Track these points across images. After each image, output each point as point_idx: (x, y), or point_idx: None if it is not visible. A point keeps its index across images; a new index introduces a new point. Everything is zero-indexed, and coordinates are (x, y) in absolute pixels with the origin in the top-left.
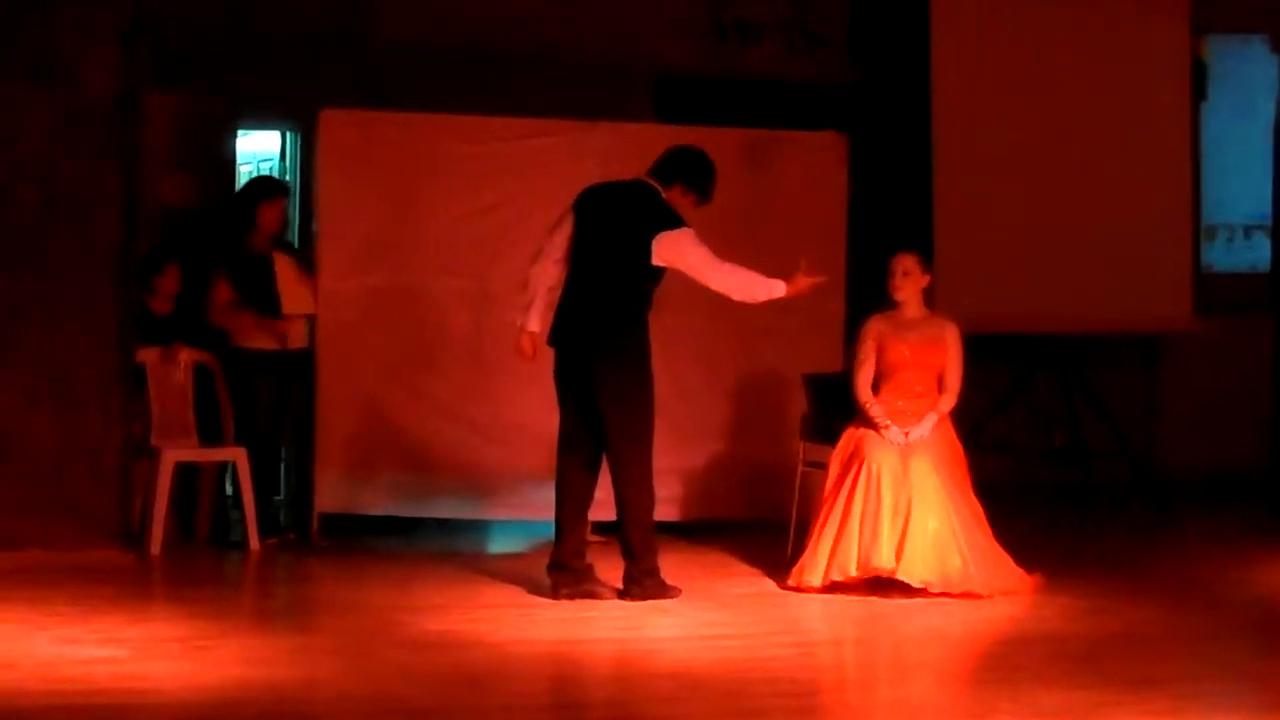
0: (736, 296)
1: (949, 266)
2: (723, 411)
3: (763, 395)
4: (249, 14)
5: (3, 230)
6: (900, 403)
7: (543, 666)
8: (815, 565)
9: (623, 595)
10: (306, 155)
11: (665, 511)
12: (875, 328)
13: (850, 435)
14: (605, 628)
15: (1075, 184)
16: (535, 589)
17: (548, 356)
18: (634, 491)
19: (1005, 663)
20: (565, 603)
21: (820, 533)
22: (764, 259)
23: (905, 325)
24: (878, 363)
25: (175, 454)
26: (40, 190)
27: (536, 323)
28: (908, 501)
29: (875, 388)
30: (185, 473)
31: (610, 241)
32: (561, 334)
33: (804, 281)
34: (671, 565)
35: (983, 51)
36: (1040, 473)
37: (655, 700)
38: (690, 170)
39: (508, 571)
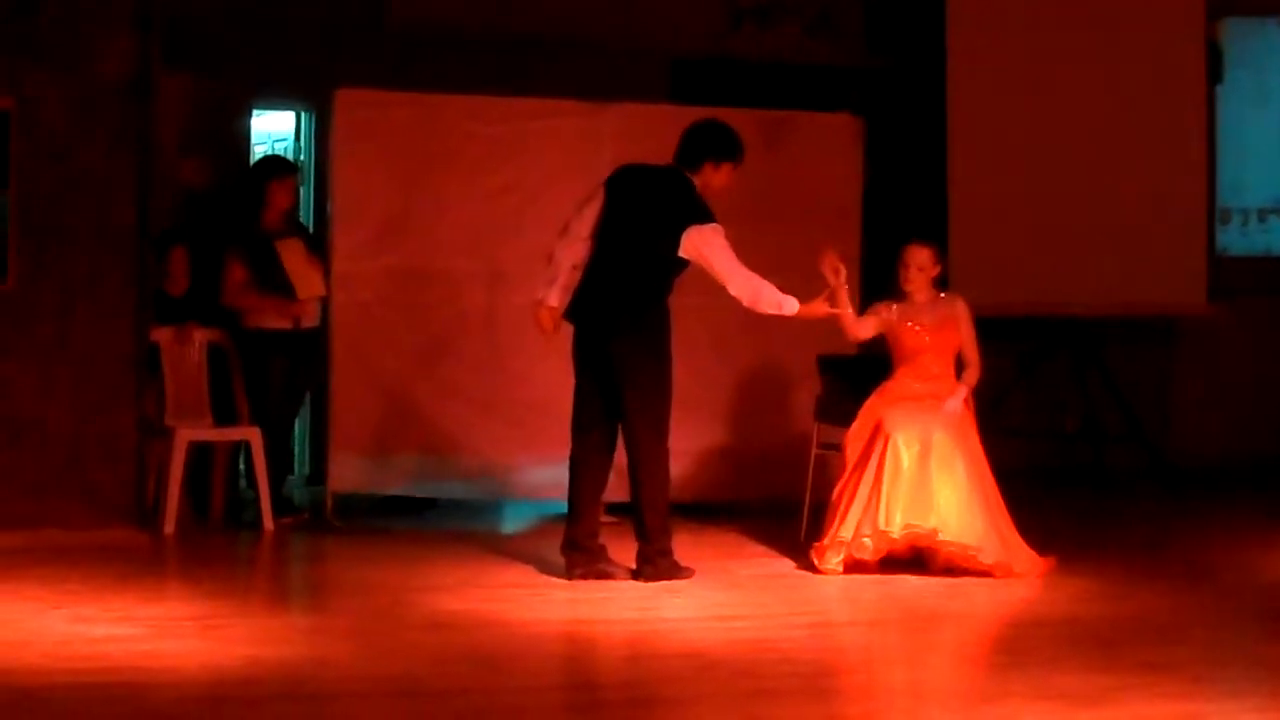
0: (747, 303)
1: (963, 249)
2: (736, 393)
3: (776, 377)
4: None
5: (20, 212)
6: (916, 385)
7: (556, 647)
8: (843, 532)
9: (636, 576)
10: (321, 135)
11: (678, 493)
12: (884, 313)
13: (868, 413)
14: (618, 608)
15: (1090, 167)
16: (549, 569)
17: (564, 336)
18: (649, 471)
19: (1018, 645)
20: (579, 583)
21: (851, 504)
22: (779, 240)
23: (917, 310)
24: (894, 347)
25: (189, 434)
26: (57, 172)
27: (557, 298)
28: (928, 467)
29: (891, 371)
30: (199, 452)
31: (640, 225)
32: (582, 310)
33: (819, 309)
34: (684, 546)
35: (998, 35)
36: (1053, 456)
37: (668, 680)
38: (710, 143)
39: (521, 552)
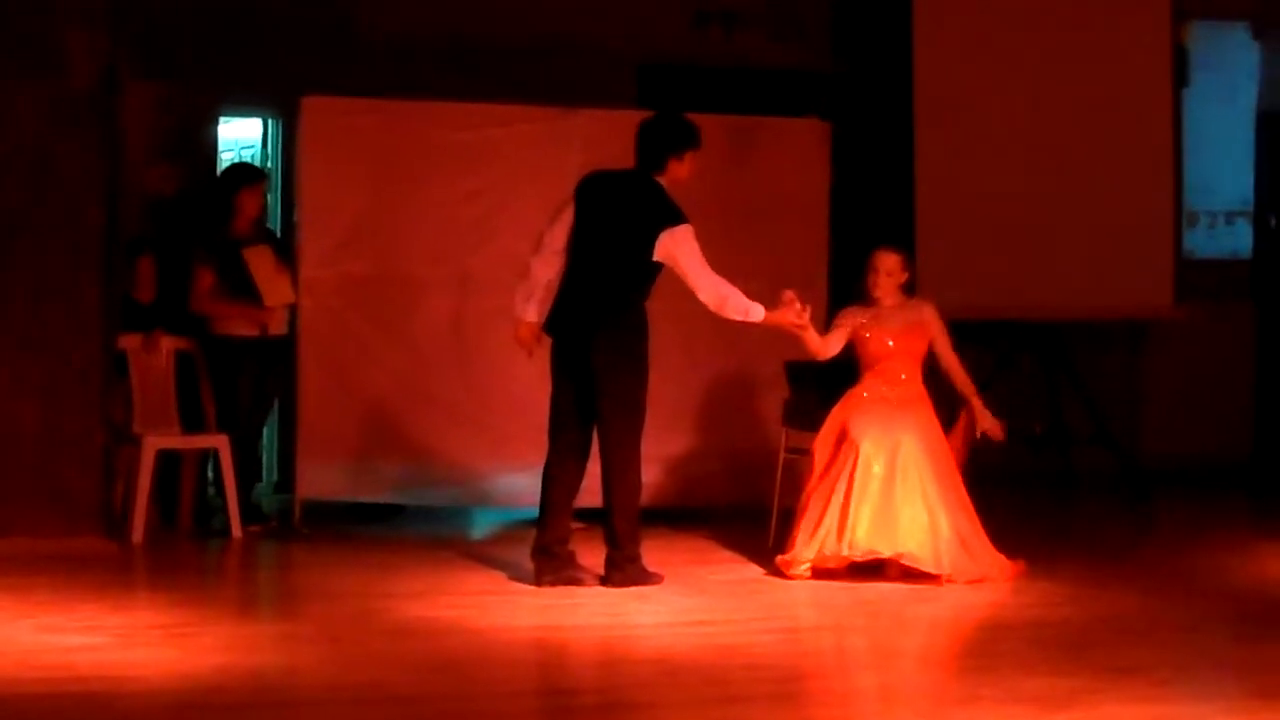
0: (713, 308)
1: (931, 253)
2: (704, 398)
3: (744, 382)
4: (230, 2)
5: None
6: (884, 389)
7: (525, 653)
8: (804, 552)
9: (605, 582)
10: (288, 142)
11: (647, 498)
12: (851, 320)
13: (835, 419)
14: (587, 614)
15: (1057, 170)
16: (517, 575)
17: (541, 345)
18: (622, 477)
19: (987, 649)
20: (547, 589)
21: (820, 516)
22: (746, 245)
23: (885, 316)
24: (861, 354)
25: (157, 441)
26: (25, 178)
27: (535, 314)
28: (896, 483)
29: (859, 377)
30: (167, 460)
31: (613, 233)
32: (561, 322)
33: (785, 317)
34: (653, 552)
35: (965, 38)
36: (1022, 459)
37: (637, 686)
38: (668, 138)
39: (490, 558)
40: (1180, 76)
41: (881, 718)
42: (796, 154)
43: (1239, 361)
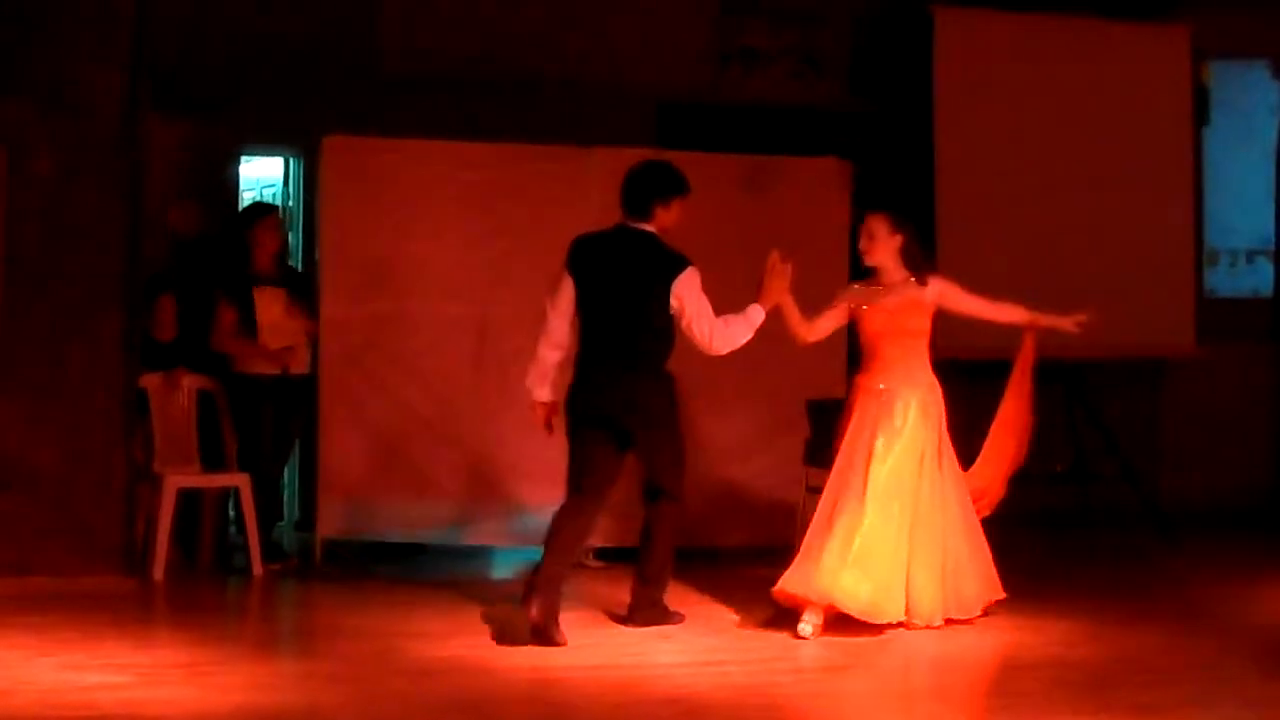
0: (722, 350)
1: None
2: (725, 437)
3: (765, 421)
4: (252, 41)
5: (9, 256)
6: (882, 385)
7: (545, 693)
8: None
9: (626, 621)
10: (309, 181)
11: None
12: (849, 297)
13: (856, 434)
14: (608, 654)
15: (1078, 209)
16: None
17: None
18: (669, 522)
19: (1009, 688)
20: (571, 630)
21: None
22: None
23: (883, 291)
24: (859, 334)
25: (178, 480)
26: (46, 217)
27: (549, 393)
28: (910, 534)
29: (856, 368)
30: (188, 498)
31: (624, 296)
32: (587, 394)
33: (775, 286)
34: (674, 591)
35: (985, 77)
36: (1042, 497)
37: None
38: (653, 185)
39: (510, 598)
40: (1200, 115)
41: None
42: (817, 194)
43: (1260, 400)
